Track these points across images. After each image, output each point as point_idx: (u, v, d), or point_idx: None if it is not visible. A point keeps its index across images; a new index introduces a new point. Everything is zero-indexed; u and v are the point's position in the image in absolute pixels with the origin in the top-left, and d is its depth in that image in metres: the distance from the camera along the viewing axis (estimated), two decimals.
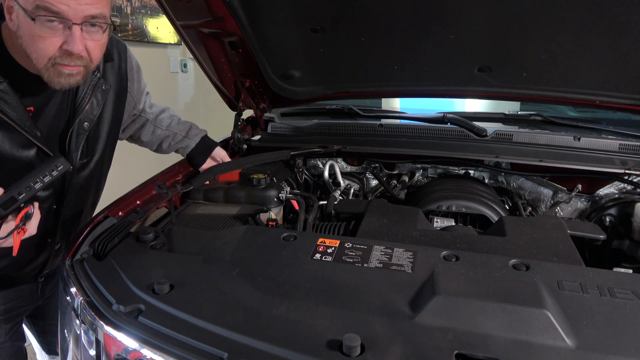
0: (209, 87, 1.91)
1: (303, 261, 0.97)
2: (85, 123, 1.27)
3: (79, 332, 0.95)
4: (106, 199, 1.44)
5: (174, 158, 1.67)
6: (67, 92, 1.23)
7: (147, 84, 1.57)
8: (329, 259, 0.97)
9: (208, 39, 1.66)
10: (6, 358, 1.40)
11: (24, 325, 1.54)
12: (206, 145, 1.66)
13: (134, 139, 1.64)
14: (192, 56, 1.77)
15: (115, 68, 1.37)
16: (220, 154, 1.68)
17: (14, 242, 1.01)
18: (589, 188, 1.63)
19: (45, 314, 1.57)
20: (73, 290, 0.97)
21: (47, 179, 1.07)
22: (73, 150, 1.26)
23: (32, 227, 1.04)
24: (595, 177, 1.60)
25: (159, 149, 1.67)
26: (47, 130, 1.21)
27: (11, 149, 1.13)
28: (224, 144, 1.89)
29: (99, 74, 1.29)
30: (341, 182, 1.72)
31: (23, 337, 1.49)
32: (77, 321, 0.95)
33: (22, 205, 1.03)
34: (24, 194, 1.03)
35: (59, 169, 1.10)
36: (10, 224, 1.01)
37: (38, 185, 1.06)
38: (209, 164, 1.65)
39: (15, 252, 1.01)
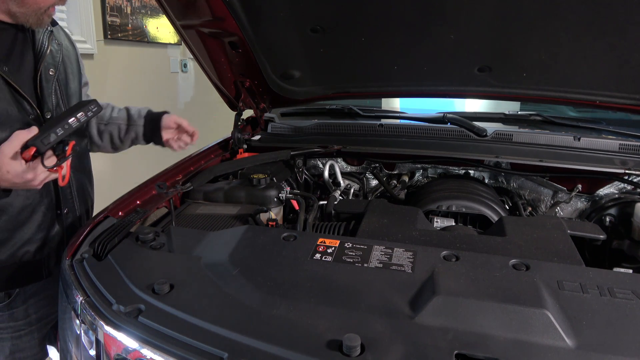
0: (209, 87, 1.91)
1: (303, 261, 0.97)
2: (51, 70, 1.29)
3: (79, 332, 0.95)
4: (106, 199, 1.44)
5: (174, 158, 1.67)
6: (23, 40, 1.25)
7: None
8: (329, 259, 0.97)
9: (208, 39, 1.66)
10: None
11: None
12: (153, 122, 1.55)
13: (92, 143, 1.58)
14: (192, 56, 1.77)
15: (61, 33, 1.40)
16: (176, 121, 1.56)
17: (66, 171, 1.10)
18: (589, 188, 1.63)
19: None
20: (73, 290, 0.97)
21: (83, 119, 1.11)
22: (46, 95, 1.27)
23: (67, 166, 1.10)
24: (595, 177, 1.60)
25: (115, 147, 1.61)
26: (16, 73, 1.22)
27: None
28: (224, 144, 1.90)
29: (50, 29, 1.32)
30: (341, 182, 1.72)
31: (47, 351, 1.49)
32: (77, 321, 0.95)
33: (56, 144, 1.07)
34: (62, 131, 1.06)
35: (93, 110, 1.15)
36: (49, 160, 1.06)
37: (75, 124, 1.09)
38: (170, 133, 1.58)
39: (67, 180, 1.10)
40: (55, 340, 1.56)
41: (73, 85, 1.39)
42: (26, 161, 1.04)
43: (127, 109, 1.59)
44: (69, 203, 1.36)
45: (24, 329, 1.37)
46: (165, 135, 1.57)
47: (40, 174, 1.07)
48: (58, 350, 1.57)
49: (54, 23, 1.35)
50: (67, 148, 1.08)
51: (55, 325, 1.47)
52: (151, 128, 1.57)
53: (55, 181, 1.25)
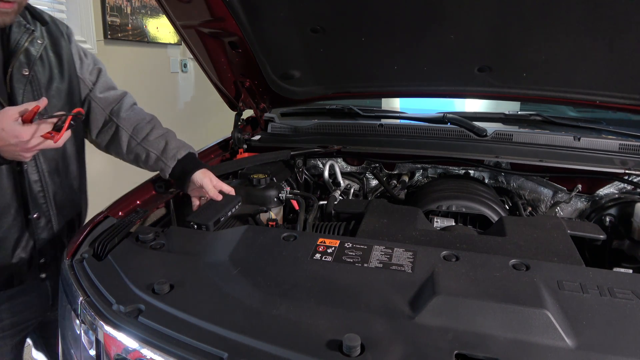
0: (209, 87, 1.91)
1: (303, 261, 0.97)
2: (24, 70, 1.22)
3: (79, 332, 0.95)
4: (106, 199, 1.44)
5: None
6: None
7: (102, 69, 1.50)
8: (329, 259, 0.97)
9: (208, 39, 1.66)
10: None
11: (29, 340, 1.47)
12: (183, 170, 1.37)
13: (109, 149, 1.48)
14: (192, 56, 1.77)
15: (52, 33, 1.33)
16: (202, 181, 1.34)
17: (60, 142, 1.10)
18: (589, 188, 1.63)
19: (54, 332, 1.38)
20: (73, 290, 0.97)
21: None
22: (17, 95, 1.21)
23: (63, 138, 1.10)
24: (595, 177, 1.60)
25: (137, 164, 1.47)
26: None
27: None
28: (224, 144, 1.90)
29: (31, 27, 1.25)
30: (341, 182, 1.72)
31: (22, 355, 1.41)
32: (77, 321, 0.95)
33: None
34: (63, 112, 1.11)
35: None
36: (45, 127, 1.09)
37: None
38: (196, 191, 1.39)
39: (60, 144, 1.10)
40: (41, 346, 1.55)
41: (57, 86, 1.30)
42: (24, 123, 1.05)
43: (167, 141, 1.42)
44: (41, 208, 1.27)
45: None
46: (191, 191, 1.42)
47: (33, 138, 1.05)
48: (46, 355, 1.56)
49: (43, 22, 1.29)
50: (64, 123, 1.10)
51: (35, 330, 1.44)
52: (179, 176, 1.40)
53: (23, 184, 1.22)
